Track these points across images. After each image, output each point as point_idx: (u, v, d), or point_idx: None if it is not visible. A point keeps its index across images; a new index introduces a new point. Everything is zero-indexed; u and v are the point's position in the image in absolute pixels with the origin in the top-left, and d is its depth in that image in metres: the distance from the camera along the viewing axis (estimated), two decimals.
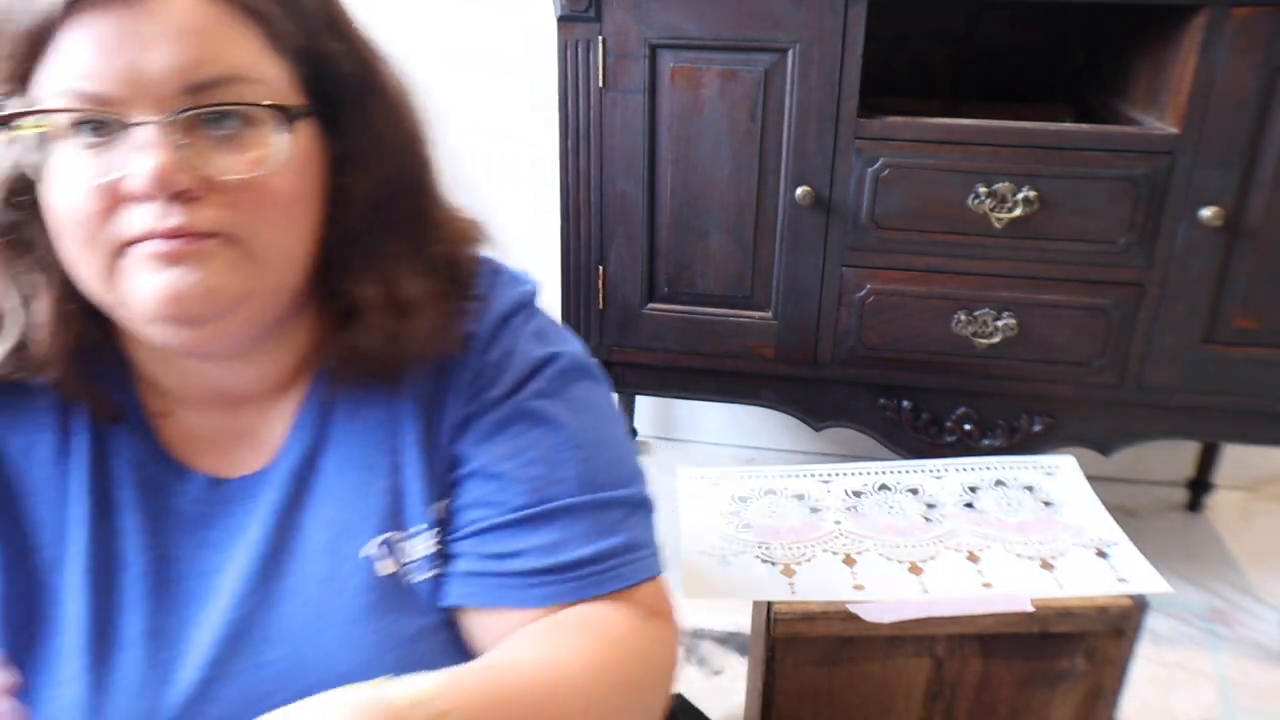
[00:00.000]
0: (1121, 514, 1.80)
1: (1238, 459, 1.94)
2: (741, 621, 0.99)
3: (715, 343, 1.53)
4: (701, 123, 1.41)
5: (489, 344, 0.65)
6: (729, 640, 1.50)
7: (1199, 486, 1.93)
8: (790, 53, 1.35)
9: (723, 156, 1.42)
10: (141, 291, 0.53)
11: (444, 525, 0.64)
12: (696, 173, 1.44)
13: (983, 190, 1.35)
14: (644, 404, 2.09)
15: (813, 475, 1.09)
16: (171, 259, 0.52)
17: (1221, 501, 1.95)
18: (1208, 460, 1.91)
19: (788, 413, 1.58)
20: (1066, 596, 0.89)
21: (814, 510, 1.03)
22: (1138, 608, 0.88)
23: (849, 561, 0.95)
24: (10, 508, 0.60)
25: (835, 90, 1.35)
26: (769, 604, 0.89)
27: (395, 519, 0.63)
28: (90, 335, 0.59)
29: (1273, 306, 1.36)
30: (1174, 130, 1.30)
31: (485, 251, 0.69)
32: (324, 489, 0.63)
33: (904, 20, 1.70)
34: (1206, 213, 1.30)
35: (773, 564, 0.95)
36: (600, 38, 1.38)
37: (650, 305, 1.53)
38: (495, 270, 0.69)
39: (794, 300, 1.47)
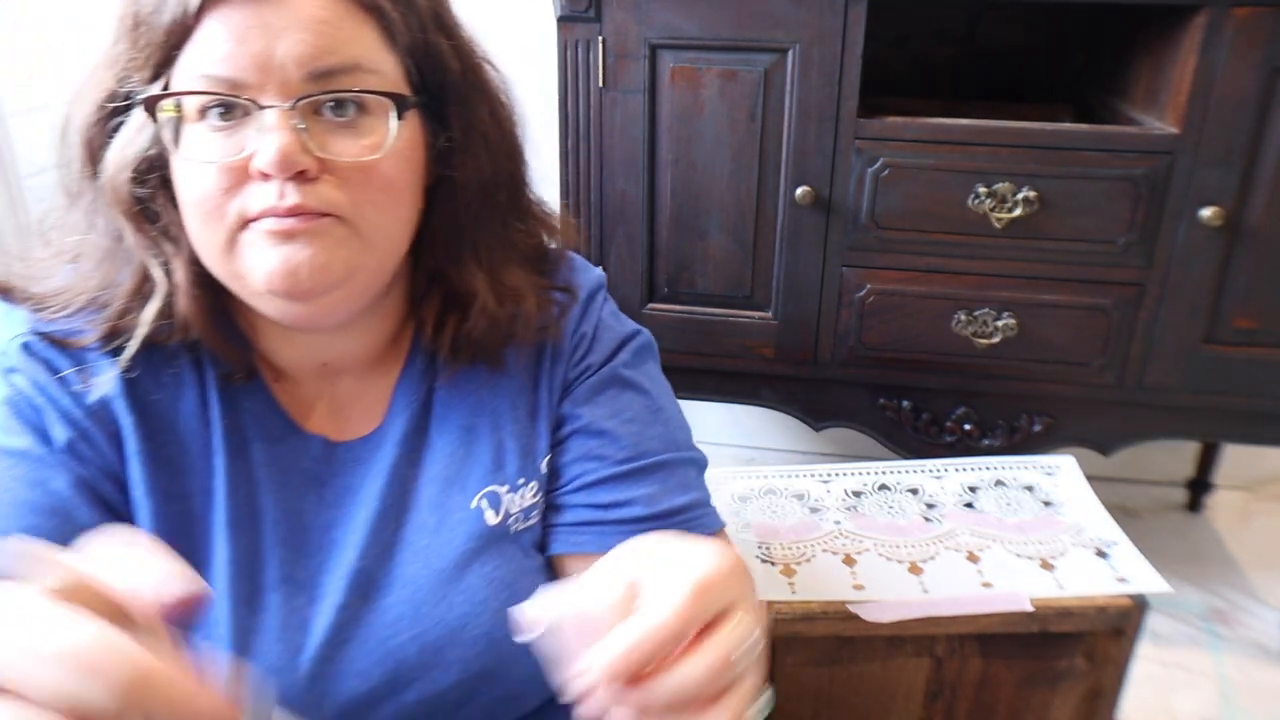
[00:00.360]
0: (1121, 514, 1.80)
1: (1238, 459, 1.94)
2: None
3: (715, 343, 1.53)
4: (701, 123, 1.41)
5: (581, 319, 0.73)
6: None
7: (1199, 486, 1.93)
8: (790, 53, 1.35)
9: (723, 156, 1.42)
10: (258, 265, 0.57)
11: (546, 479, 0.70)
12: (696, 173, 1.44)
13: (983, 190, 1.35)
14: None
15: (813, 475, 1.09)
16: (287, 236, 0.56)
17: (1221, 501, 1.95)
18: (1208, 460, 1.91)
19: (788, 413, 1.58)
20: (1066, 596, 0.89)
21: (814, 510, 1.03)
22: (1138, 608, 0.88)
23: (849, 561, 0.95)
24: (164, 454, 0.63)
25: (835, 90, 1.35)
26: (769, 604, 0.89)
27: (498, 474, 0.68)
28: (220, 300, 0.63)
29: (1273, 306, 1.36)
30: (1174, 130, 1.30)
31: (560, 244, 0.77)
32: (431, 449, 0.68)
33: (904, 20, 1.70)
34: (1206, 213, 1.30)
35: (773, 564, 0.95)
36: (600, 38, 1.38)
37: (650, 305, 1.53)
38: (570, 260, 0.76)
39: (794, 300, 1.47)
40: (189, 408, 0.64)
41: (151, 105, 0.56)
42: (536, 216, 0.73)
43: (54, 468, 0.60)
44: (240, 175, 0.56)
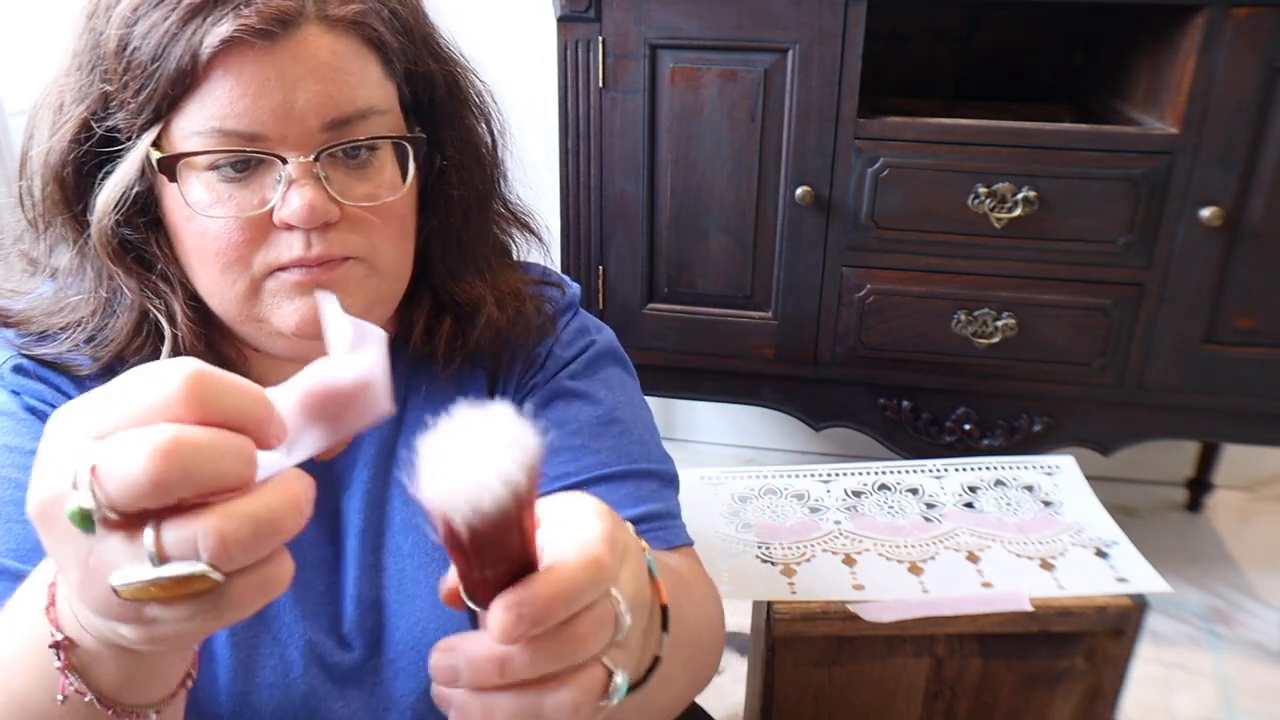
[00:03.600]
0: (1121, 514, 1.80)
1: (1238, 459, 1.94)
2: (741, 621, 0.98)
3: (715, 343, 1.53)
4: (701, 123, 1.41)
5: (539, 339, 0.72)
6: (729, 640, 1.50)
7: (1199, 486, 1.92)
8: (790, 53, 1.35)
9: (723, 156, 1.42)
10: (286, 312, 0.58)
11: None
12: (696, 173, 1.44)
13: (983, 190, 1.35)
14: None
15: (813, 475, 1.09)
16: (316, 285, 0.57)
17: (1221, 501, 1.95)
18: (1208, 460, 1.91)
19: (788, 413, 1.58)
20: (1066, 596, 0.89)
21: (814, 510, 1.03)
22: (1138, 608, 0.88)
23: (849, 561, 0.95)
24: None
25: (835, 90, 1.35)
26: (769, 604, 0.89)
27: None
28: (212, 330, 0.63)
29: (1273, 306, 1.36)
30: (1174, 130, 1.30)
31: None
32: (402, 467, 0.67)
33: (904, 20, 1.70)
34: (1206, 213, 1.30)
35: (773, 564, 0.95)
36: (600, 38, 1.38)
37: (650, 305, 1.53)
38: (545, 271, 0.76)
39: (794, 300, 1.47)
40: None
41: (171, 164, 0.54)
42: (515, 214, 0.73)
43: None
44: (262, 226, 0.56)
